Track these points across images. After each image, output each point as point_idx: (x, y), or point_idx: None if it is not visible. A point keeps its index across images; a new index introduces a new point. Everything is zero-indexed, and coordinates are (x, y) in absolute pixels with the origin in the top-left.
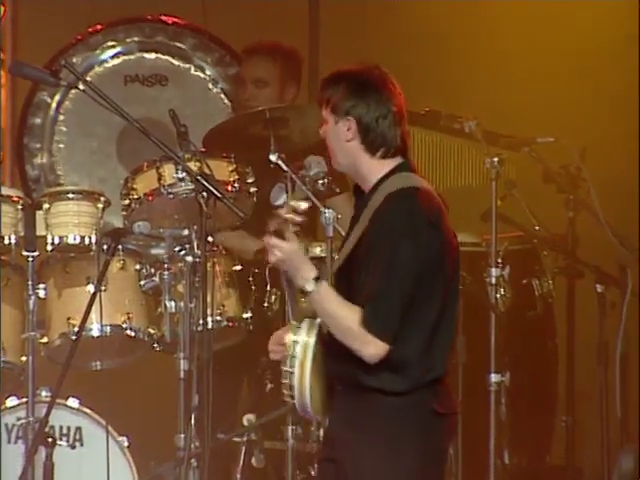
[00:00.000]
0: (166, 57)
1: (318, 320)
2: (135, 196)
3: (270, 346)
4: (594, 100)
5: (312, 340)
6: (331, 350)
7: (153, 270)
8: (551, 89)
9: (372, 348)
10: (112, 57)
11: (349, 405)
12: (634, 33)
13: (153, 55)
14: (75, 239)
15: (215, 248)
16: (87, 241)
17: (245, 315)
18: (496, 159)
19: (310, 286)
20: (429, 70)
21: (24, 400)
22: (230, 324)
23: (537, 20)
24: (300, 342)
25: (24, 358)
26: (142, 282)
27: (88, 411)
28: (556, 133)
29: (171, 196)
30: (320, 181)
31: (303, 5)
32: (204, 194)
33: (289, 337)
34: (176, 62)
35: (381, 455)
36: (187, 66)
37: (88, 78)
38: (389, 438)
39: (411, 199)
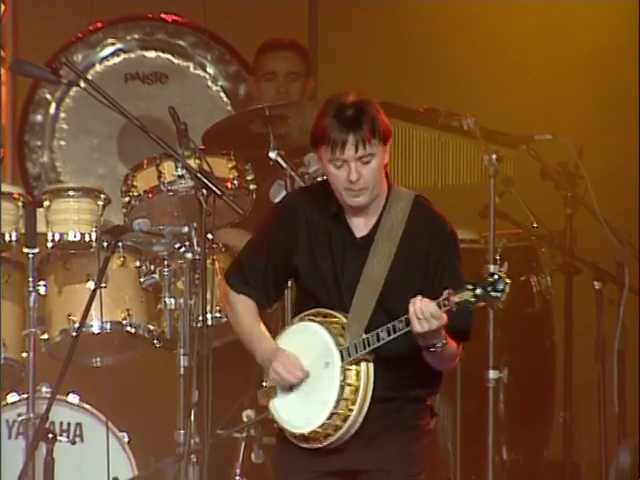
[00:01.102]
0: (166, 55)
1: (371, 364)
2: (135, 193)
3: (292, 369)
4: (592, 98)
5: (371, 388)
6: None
7: (153, 267)
8: (549, 87)
9: None
10: (112, 55)
11: (386, 416)
12: (633, 30)
13: (153, 53)
14: (75, 236)
15: (215, 245)
16: (87, 238)
17: None
18: (494, 156)
19: (442, 346)
20: (427, 68)
21: (25, 396)
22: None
23: (535, 18)
24: (361, 389)
25: (25, 354)
26: (142, 279)
27: (88, 407)
28: (554, 131)
29: (171, 193)
30: (319, 178)
31: (302, 3)
32: (204, 191)
33: (340, 379)
34: (176, 60)
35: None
36: (187, 64)
37: (88, 76)
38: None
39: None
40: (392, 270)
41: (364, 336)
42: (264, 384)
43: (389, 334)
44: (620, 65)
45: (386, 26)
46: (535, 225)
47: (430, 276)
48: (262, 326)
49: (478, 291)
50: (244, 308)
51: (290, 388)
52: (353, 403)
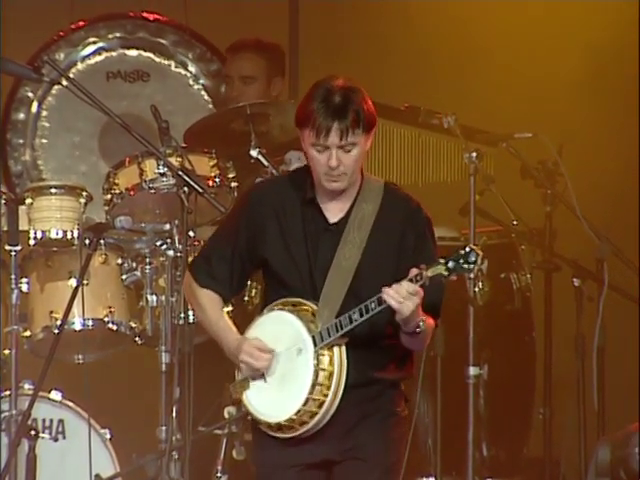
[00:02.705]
0: (148, 53)
1: (344, 348)
2: (117, 191)
3: (259, 355)
4: (571, 96)
5: (344, 373)
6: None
7: (135, 264)
8: (529, 85)
9: None
10: (94, 53)
11: (365, 403)
12: (622, 27)
13: (135, 51)
14: (57, 233)
15: (196, 242)
16: (69, 235)
17: (226, 309)
18: (474, 154)
19: (423, 324)
20: (408, 67)
21: (7, 393)
22: None
23: (514, 17)
24: (335, 374)
25: (7, 351)
26: (124, 276)
27: (71, 404)
28: (534, 128)
29: (152, 191)
30: None
31: (283, 2)
32: (185, 189)
33: (314, 364)
34: (157, 58)
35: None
36: (168, 62)
37: (70, 74)
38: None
39: None
40: (364, 258)
41: (336, 320)
42: (236, 377)
43: (362, 315)
44: (599, 61)
45: (367, 24)
46: (515, 222)
47: (403, 261)
48: (227, 319)
49: (450, 264)
50: (210, 303)
51: (263, 378)
52: (328, 388)
